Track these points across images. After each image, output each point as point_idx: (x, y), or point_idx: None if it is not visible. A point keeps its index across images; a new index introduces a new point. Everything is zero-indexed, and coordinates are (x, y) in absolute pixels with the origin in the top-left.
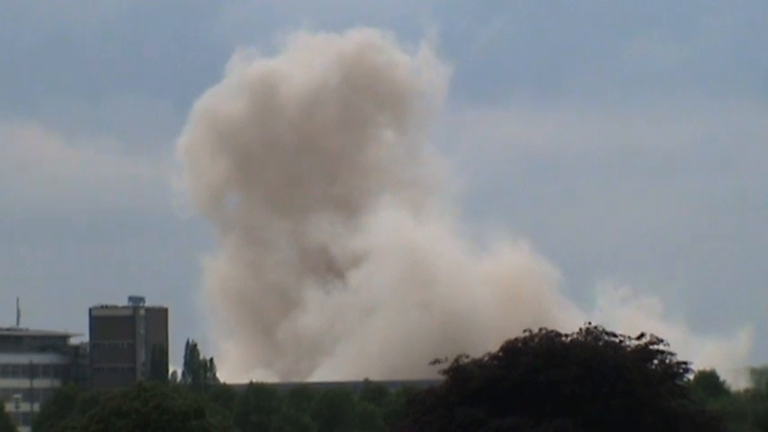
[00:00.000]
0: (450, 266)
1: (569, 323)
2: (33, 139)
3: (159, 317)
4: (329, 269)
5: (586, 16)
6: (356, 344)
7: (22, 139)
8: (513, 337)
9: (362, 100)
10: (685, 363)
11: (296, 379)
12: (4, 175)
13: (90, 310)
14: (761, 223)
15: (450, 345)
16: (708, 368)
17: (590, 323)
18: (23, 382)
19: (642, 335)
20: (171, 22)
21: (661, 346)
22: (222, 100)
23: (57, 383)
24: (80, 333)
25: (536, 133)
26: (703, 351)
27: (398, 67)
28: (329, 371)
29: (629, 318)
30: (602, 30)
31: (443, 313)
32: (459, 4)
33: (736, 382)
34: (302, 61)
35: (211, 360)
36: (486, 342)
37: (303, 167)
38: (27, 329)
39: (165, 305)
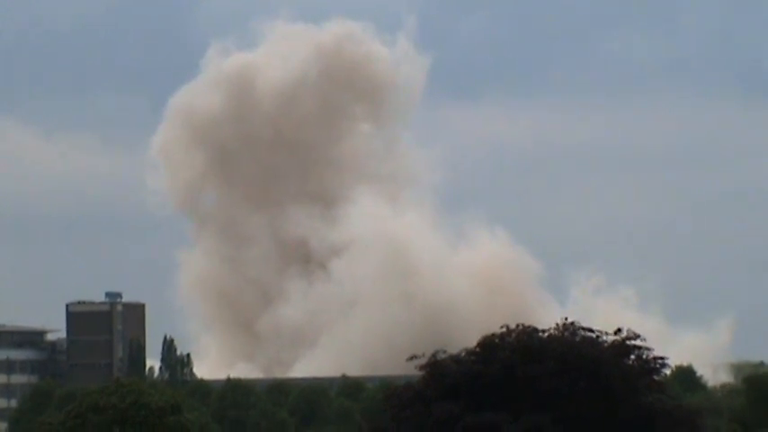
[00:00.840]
0: (429, 258)
1: (548, 314)
2: (11, 134)
3: (136, 313)
4: (308, 261)
5: (565, 12)
6: (338, 336)
7: (1, 134)
8: (493, 329)
9: (340, 93)
10: (662, 358)
11: (277, 372)
12: None
13: (67, 305)
14: (738, 217)
15: (431, 337)
16: (685, 363)
17: (566, 318)
18: (1, 378)
19: (619, 330)
20: (149, 18)
21: (638, 342)
22: (198, 95)
23: (34, 379)
24: (57, 329)
25: (513, 128)
26: (680, 343)
27: (377, 59)
28: (310, 364)
29: (604, 308)
30: (581, 25)
31: (424, 306)
32: (437, 1)
33: (715, 376)
34: (280, 54)
35: (188, 356)
36: (467, 334)
37: (280, 161)
38: (4, 325)
39: (142, 301)
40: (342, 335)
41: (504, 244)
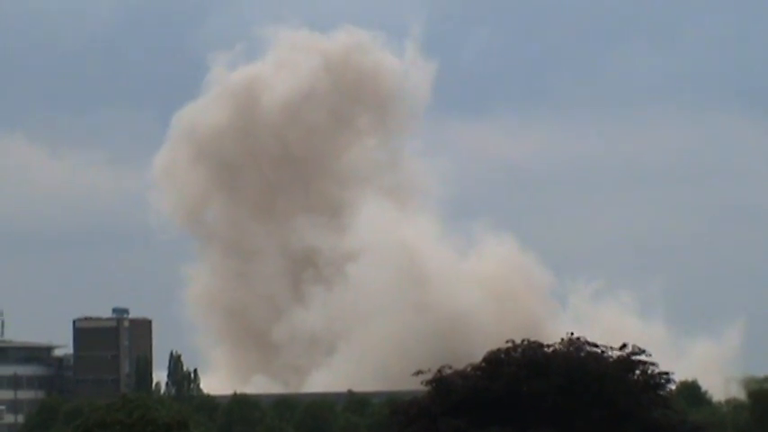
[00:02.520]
0: (439, 265)
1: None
2: (17, 150)
3: (143, 328)
4: (318, 271)
5: (569, 28)
6: (353, 345)
7: (6, 150)
8: (504, 337)
9: (346, 104)
10: (667, 373)
11: (292, 381)
12: None
13: (74, 321)
14: (738, 228)
15: (445, 346)
16: (690, 378)
17: (572, 333)
18: (7, 394)
19: (624, 345)
20: (155, 34)
21: (643, 357)
22: (202, 111)
23: (41, 395)
24: (64, 345)
25: (518, 143)
26: (685, 351)
27: (384, 70)
28: (326, 374)
29: (607, 315)
30: (585, 42)
31: (438, 314)
32: (443, 13)
33: (726, 389)
34: (286, 64)
35: (195, 371)
36: (480, 343)
37: (285, 174)
38: (11, 341)
39: (148, 317)
40: (357, 343)
41: (512, 251)
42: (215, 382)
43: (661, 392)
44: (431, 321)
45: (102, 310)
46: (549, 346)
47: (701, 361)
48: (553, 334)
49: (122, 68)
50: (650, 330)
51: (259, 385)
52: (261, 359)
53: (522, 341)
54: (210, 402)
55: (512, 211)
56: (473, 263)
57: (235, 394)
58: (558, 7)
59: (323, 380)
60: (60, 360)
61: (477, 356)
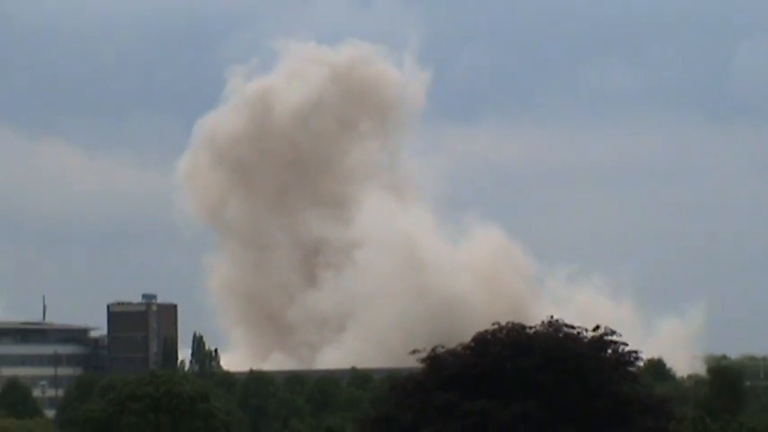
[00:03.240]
0: (435, 253)
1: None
2: (57, 154)
3: (169, 312)
4: (327, 259)
5: (551, 45)
6: (360, 327)
7: (47, 154)
8: (493, 318)
9: (350, 111)
10: (636, 352)
11: (305, 358)
12: (32, 186)
13: (108, 306)
14: (697, 218)
15: (443, 327)
16: (656, 356)
17: (552, 316)
18: (49, 371)
19: (598, 327)
20: (181, 50)
21: (614, 337)
22: (221, 118)
23: (78, 371)
24: (99, 327)
25: (504, 147)
26: (651, 330)
27: (385, 80)
28: (336, 352)
29: (582, 297)
30: (564, 58)
31: (436, 298)
32: (439, 29)
33: (691, 365)
34: (297, 75)
35: (216, 350)
36: (473, 323)
37: (295, 174)
38: (52, 324)
39: (174, 302)
40: (364, 323)
41: (500, 240)
42: (235, 360)
43: (630, 369)
44: (429, 304)
45: (132, 296)
46: (530, 327)
47: (667, 338)
48: (536, 314)
49: (152, 81)
50: (620, 310)
51: (275, 362)
52: (276, 339)
53: (507, 323)
54: (230, 378)
55: (498, 206)
56: (464, 251)
57: (251, 371)
58: (542, 26)
59: (333, 356)
60: (96, 340)
61: (470, 336)
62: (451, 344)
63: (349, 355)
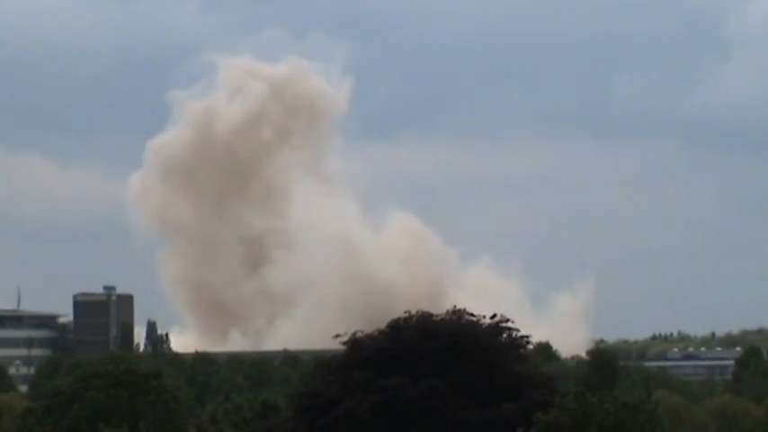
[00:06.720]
0: (363, 240)
1: (450, 285)
2: (33, 166)
3: (127, 302)
4: (266, 251)
5: (458, 72)
6: (300, 311)
7: (24, 166)
8: (417, 299)
9: (283, 120)
10: (527, 336)
11: (249, 342)
12: (11, 193)
13: (74, 296)
14: (587, 222)
15: (376, 308)
16: (544, 339)
17: (455, 306)
18: (22, 352)
19: (494, 315)
20: (142, 74)
21: (509, 324)
22: (170, 137)
23: (48, 353)
24: (66, 314)
25: (418, 160)
26: (543, 307)
27: (316, 94)
28: (282, 333)
29: (480, 278)
30: (470, 83)
31: (368, 281)
32: (364, 54)
33: (576, 347)
34: (236, 91)
35: (167, 335)
36: (399, 306)
37: (235, 179)
38: (25, 311)
39: (131, 293)
40: (304, 307)
41: (417, 226)
42: (186, 342)
43: (522, 351)
44: (362, 288)
45: (95, 287)
46: (437, 315)
47: (558, 314)
48: (451, 295)
49: (116, 102)
50: (512, 288)
51: (220, 344)
52: (223, 323)
53: (416, 312)
54: (179, 358)
55: (412, 202)
56: (387, 236)
57: (197, 352)
58: (452, 55)
59: (278, 338)
60: (63, 326)
61: (396, 315)
62: (382, 325)
63: (297, 334)
